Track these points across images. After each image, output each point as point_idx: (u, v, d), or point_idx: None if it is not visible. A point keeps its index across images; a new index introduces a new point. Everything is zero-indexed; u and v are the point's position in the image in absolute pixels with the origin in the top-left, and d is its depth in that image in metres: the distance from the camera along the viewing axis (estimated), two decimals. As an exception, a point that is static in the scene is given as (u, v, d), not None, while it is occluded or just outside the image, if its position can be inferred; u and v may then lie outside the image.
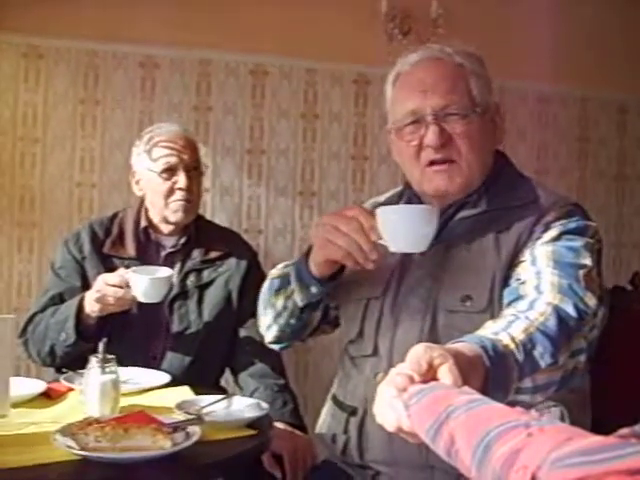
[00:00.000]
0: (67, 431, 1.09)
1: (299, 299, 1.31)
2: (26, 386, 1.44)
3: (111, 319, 1.76)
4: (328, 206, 2.76)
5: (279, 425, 1.70)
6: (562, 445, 0.62)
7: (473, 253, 1.26)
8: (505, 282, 1.22)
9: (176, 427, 1.15)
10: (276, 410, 1.79)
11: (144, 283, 1.63)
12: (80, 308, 1.73)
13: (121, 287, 1.65)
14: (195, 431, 1.15)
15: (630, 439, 0.61)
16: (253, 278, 1.96)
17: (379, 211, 1.16)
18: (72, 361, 1.82)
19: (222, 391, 1.98)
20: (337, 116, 2.76)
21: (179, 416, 1.26)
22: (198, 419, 1.20)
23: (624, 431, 0.64)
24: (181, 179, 1.87)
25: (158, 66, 2.60)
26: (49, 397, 1.43)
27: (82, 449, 1.06)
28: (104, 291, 1.66)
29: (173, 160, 1.88)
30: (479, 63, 1.35)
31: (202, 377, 1.85)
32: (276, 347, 1.48)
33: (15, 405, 1.32)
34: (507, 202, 1.30)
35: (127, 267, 1.80)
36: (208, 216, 2.63)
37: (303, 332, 1.42)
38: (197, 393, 1.50)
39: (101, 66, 2.55)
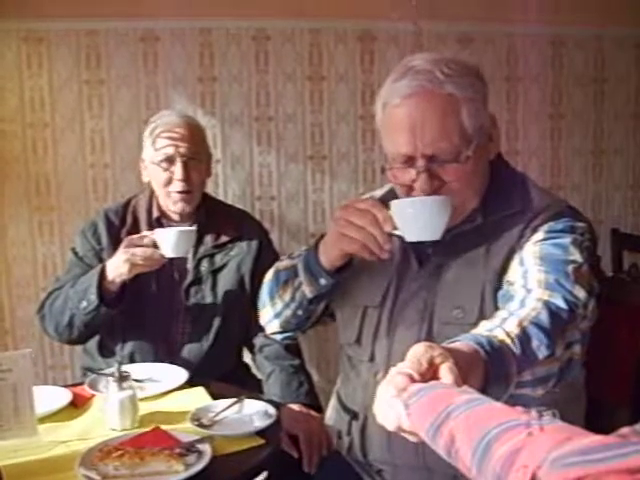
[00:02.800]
0: (88, 462, 1.18)
1: (308, 291, 1.35)
2: (53, 397, 1.53)
3: (131, 304, 1.84)
4: (339, 168, 2.76)
5: (295, 407, 1.79)
6: (562, 444, 0.62)
7: (465, 266, 1.28)
8: (496, 292, 1.25)
9: (188, 448, 1.23)
10: (292, 391, 1.87)
11: (172, 237, 1.72)
12: (101, 276, 1.78)
13: (148, 246, 1.73)
14: (206, 451, 1.24)
15: (630, 438, 0.62)
16: (265, 259, 2.00)
17: (394, 204, 1.20)
18: (88, 337, 1.93)
19: (245, 368, 2.08)
20: (343, 76, 2.71)
21: (193, 427, 1.35)
22: (209, 437, 1.28)
23: (624, 430, 0.65)
24: (177, 170, 1.90)
25: (159, 39, 2.57)
26: (75, 405, 1.53)
27: (103, 478, 1.16)
28: (133, 251, 1.72)
29: (170, 151, 1.90)
30: (471, 80, 1.27)
31: (222, 359, 1.93)
32: (278, 337, 1.53)
33: (43, 420, 1.41)
34: (501, 212, 1.30)
35: None
36: (220, 187, 2.69)
37: (306, 323, 1.46)
38: (211, 393, 1.58)
39: (102, 45, 2.53)
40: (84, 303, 1.79)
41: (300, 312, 1.40)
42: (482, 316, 1.22)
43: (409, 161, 1.26)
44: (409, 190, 1.29)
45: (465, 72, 1.26)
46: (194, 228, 1.81)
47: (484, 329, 1.06)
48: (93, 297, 1.77)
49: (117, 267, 1.75)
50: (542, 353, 1.04)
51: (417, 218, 1.18)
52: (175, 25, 2.57)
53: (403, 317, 1.32)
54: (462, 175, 1.25)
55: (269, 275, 1.48)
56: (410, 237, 1.20)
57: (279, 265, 1.47)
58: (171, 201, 1.93)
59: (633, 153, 3.00)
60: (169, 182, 1.92)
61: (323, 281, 1.32)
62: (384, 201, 1.45)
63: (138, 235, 1.77)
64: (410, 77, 1.24)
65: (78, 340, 1.95)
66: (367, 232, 1.20)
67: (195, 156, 1.93)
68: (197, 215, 1.99)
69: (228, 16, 2.59)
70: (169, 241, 1.72)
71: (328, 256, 1.29)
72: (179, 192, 1.91)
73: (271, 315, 1.45)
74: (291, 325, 1.45)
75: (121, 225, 1.98)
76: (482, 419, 0.72)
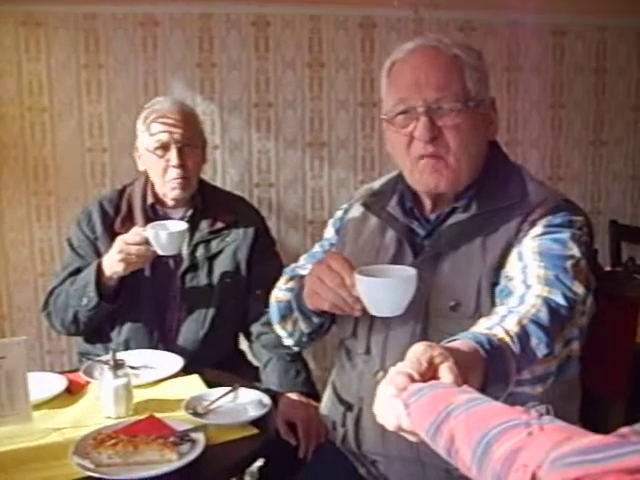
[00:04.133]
0: (82, 450, 1.19)
1: (304, 327, 1.39)
2: (48, 384, 1.54)
3: (127, 291, 1.85)
4: (338, 155, 2.75)
5: (293, 396, 1.79)
6: (562, 444, 0.62)
7: (461, 259, 1.28)
8: (493, 286, 1.25)
9: (182, 437, 1.23)
10: (289, 380, 1.87)
11: (163, 238, 1.73)
12: (99, 272, 1.81)
13: (141, 244, 1.74)
14: (200, 440, 1.24)
15: (629, 438, 0.62)
16: (261, 245, 2.02)
17: (357, 279, 1.17)
18: (94, 329, 1.94)
19: (241, 355, 2.09)
20: (343, 63, 2.69)
21: (187, 416, 1.36)
22: (203, 426, 1.29)
23: (624, 430, 0.65)
24: (172, 156, 1.89)
25: (158, 24, 2.55)
26: (70, 392, 1.53)
27: (97, 466, 1.16)
28: (127, 250, 1.75)
29: (165, 137, 1.90)
30: (476, 56, 1.33)
31: (218, 346, 1.94)
32: (296, 349, 1.60)
33: (38, 406, 1.42)
34: (496, 203, 1.29)
35: None
36: (219, 173, 2.68)
37: (318, 339, 1.50)
38: (206, 380, 1.59)
39: (100, 29, 2.51)
40: (84, 300, 1.82)
41: (305, 339, 1.46)
42: (478, 310, 1.22)
43: (409, 112, 1.28)
44: (408, 142, 1.30)
45: (471, 49, 1.33)
46: (185, 227, 1.80)
47: (483, 327, 1.05)
48: (92, 294, 1.80)
49: (112, 266, 1.78)
50: (541, 351, 1.04)
51: (379, 296, 1.17)
52: (175, 10, 2.55)
53: (399, 309, 1.32)
54: (460, 126, 1.27)
55: (271, 300, 1.51)
56: (372, 311, 1.19)
57: (278, 295, 1.49)
58: (168, 188, 1.93)
59: (633, 144, 2.98)
60: (165, 169, 1.91)
61: (315, 319, 1.37)
62: (381, 193, 1.47)
63: (131, 233, 1.77)
64: (418, 39, 1.31)
65: (86, 332, 1.96)
66: (336, 294, 1.22)
67: (190, 142, 1.93)
68: (193, 201, 1.98)
69: (228, 1, 2.57)
70: (160, 241, 1.73)
71: (308, 305, 1.32)
72: (175, 179, 1.90)
73: (283, 335, 1.50)
74: (303, 344, 1.50)
75: (115, 213, 1.97)
76: (482, 419, 0.72)
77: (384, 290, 1.16)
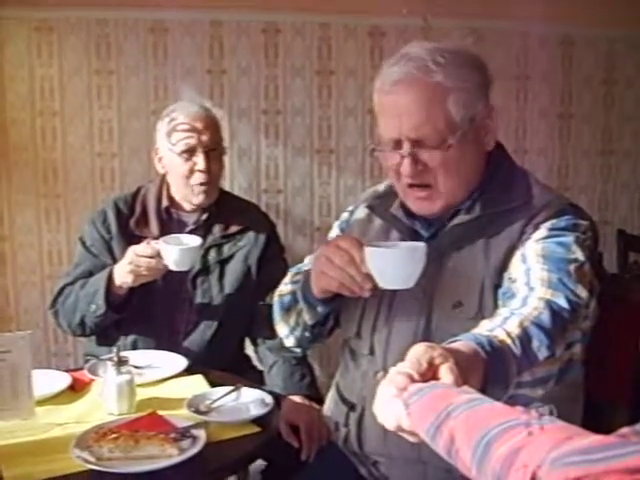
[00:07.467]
0: (83, 444, 1.19)
1: (308, 318, 1.38)
2: (52, 380, 1.54)
3: (138, 293, 1.84)
4: (346, 163, 2.76)
5: (297, 398, 1.78)
6: (562, 444, 0.62)
7: (464, 259, 1.28)
8: (496, 287, 1.24)
9: (183, 433, 1.24)
10: (294, 383, 1.86)
11: (175, 253, 1.69)
12: (109, 280, 1.80)
13: (152, 257, 1.72)
14: (201, 436, 1.24)
15: (630, 438, 0.62)
16: (271, 252, 2.02)
17: (367, 251, 1.17)
18: (101, 331, 1.94)
19: (246, 360, 2.09)
20: (352, 71, 2.71)
21: (189, 413, 1.36)
22: (205, 423, 1.29)
23: (624, 430, 0.64)
24: (200, 161, 1.90)
25: (168, 30, 2.58)
26: (73, 389, 1.54)
27: (98, 460, 1.17)
28: (137, 262, 1.72)
29: (192, 142, 1.90)
30: (466, 71, 1.26)
31: (223, 350, 1.94)
32: (297, 351, 1.57)
33: (41, 402, 1.43)
34: (500, 205, 1.29)
35: None
36: (227, 179, 2.69)
37: (320, 339, 1.48)
38: (210, 381, 1.59)
39: (112, 35, 2.54)
40: (93, 307, 1.82)
41: (307, 334, 1.43)
42: (481, 311, 1.22)
43: (396, 145, 1.28)
44: (397, 173, 1.31)
45: (460, 62, 1.27)
46: (199, 243, 1.77)
47: (485, 329, 1.05)
48: (101, 302, 1.79)
49: (121, 276, 1.77)
50: (542, 354, 1.04)
51: (389, 267, 1.17)
52: (185, 16, 2.58)
53: (402, 309, 1.31)
54: (445, 161, 1.26)
55: (274, 298, 1.51)
56: (382, 284, 1.19)
57: (282, 290, 1.49)
58: (193, 194, 1.93)
59: (642, 155, 2.98)
60: (191, 173, 1.91)
61: (320, 309, 1.35)
62: (386, 195, 1.47)
63: (142, 244, 1.75)
64: (402, 64, 1.26)
65: (91, 335, 1.97)
66: (345, 272, 1.21)
67: (216, 147, 1.94)
68: (209, 206, 1.99)
69: (238, 8, 2.59)
70: (172, 256, 1.69)
71: (315, 289, 1.31)
72: (201, 184, 1.90)
73: (283, 335, 1.49)
74: (304, 343, 1.48)
75: (130, 214, 1.97)
76: (482, 419, 0.72)
77: (395, 261, 1.16)
